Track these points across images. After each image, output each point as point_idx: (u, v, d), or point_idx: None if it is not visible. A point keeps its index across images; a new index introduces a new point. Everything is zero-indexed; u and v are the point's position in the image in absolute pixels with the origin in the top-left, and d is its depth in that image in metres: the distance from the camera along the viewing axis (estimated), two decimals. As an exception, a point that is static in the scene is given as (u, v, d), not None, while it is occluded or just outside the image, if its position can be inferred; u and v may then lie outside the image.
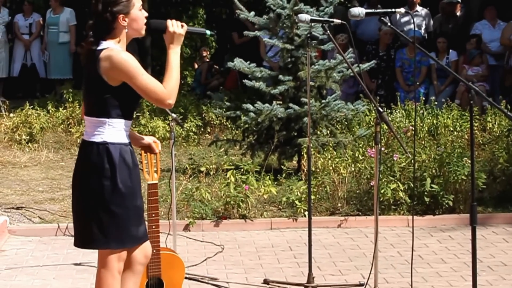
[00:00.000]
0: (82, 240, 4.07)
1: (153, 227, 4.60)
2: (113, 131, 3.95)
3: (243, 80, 8.64)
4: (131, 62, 3.88)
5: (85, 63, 4.00)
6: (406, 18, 12.42)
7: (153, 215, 4.61)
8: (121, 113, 3.96)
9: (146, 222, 4.28)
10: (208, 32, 4.23)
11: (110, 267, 4.02)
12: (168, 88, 3.95)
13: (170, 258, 4.91)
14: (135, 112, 4.14)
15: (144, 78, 3.90)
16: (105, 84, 3.90)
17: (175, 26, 4.05)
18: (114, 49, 3.91)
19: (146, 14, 4.05)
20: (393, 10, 4.54)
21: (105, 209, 3.93)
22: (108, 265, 4.02)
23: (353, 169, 7.74)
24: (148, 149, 4.41)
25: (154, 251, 4.71)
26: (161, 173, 4.85)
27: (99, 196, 3.92)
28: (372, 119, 9.71)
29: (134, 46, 11.37)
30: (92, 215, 3.94)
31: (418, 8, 12.78)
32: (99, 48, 3.91)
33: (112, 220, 3.93)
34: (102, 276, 4.04)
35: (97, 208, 3.93)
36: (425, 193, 7.31)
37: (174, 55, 4.03)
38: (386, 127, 4.75)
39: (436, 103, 10.69)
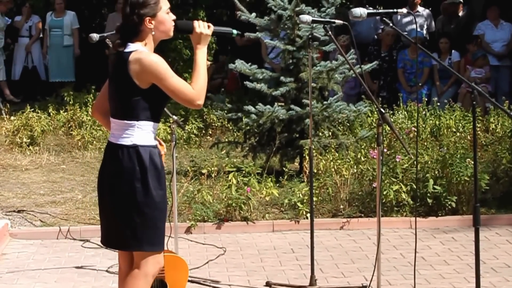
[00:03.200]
0: (112, 241, 4.07)
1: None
2: (142, 133, 3.95)
3: (245, 82, 8.62)
4: (161, 64, 3.88)
5: (112, 65, 4.00)
6: (407, 19, 12.40)
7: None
8: (150, 115, 3.96)
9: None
10: (234, 31, 4.23)
11: (146, 269, 4.00)
12: (196, 89, 3.97)
13: (173, 260, 4.89)
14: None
15: (174, 80, 3.91)
16: (135, 87, 3.89)
17: (202, 27, 4.07)
18: (143, 52, 3.91)
19: (174, 17, 4.04)
20: (395, 10, 4.52)
21: (138, 212, 3.92)
22: (144, 267, 4.00)
23: (355, 170, 7.72)
24: None
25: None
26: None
27: (131, 199, 3.92)
28: (374, 120, 9.69)
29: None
30: (125, 218, 3.93)
31: (420, 8, 12.76)
32: (126, 50, 3.91)
33: (145, 223, 3.93)
34: (134, 276, 4.01)
35: (130, 211, 3.92)
36: (428, 194, 7.29)
37: (201, 55, 4.06)
38: (388, 128, 4.72)
39: (438, 104, 10.67)
